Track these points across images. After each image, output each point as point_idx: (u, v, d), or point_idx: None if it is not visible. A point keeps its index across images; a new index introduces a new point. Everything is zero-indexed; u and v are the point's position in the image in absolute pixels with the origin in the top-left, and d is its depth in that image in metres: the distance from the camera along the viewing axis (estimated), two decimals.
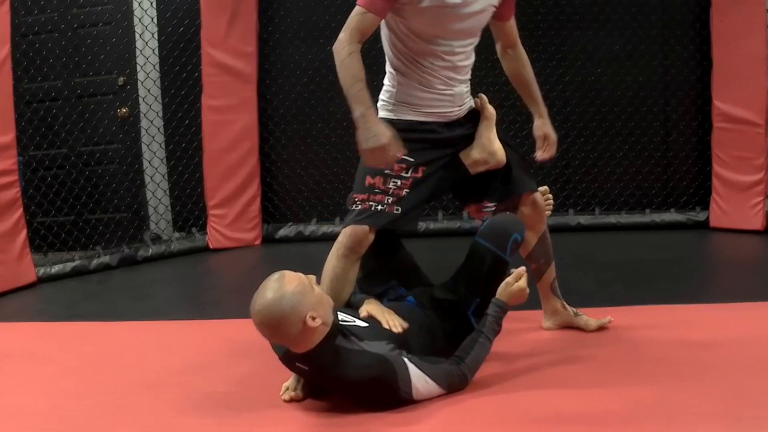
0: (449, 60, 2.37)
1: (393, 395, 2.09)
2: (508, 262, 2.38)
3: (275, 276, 2.07)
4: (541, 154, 2.65)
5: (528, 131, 2.73)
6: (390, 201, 2.37)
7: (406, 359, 2.11)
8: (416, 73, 2.36)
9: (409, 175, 2.39)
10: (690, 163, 4.87)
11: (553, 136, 2.66)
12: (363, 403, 2.13)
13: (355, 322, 2.21)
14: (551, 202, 2.70)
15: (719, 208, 4.59)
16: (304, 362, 2.11)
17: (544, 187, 2.69)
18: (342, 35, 2.24)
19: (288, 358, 2.17)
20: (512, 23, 2.57)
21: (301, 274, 2.10)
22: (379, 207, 2.37)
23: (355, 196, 2.42)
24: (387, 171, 2.36)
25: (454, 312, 2.38)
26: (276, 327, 2.02)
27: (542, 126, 2.65)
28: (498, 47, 2.63)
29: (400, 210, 2.39)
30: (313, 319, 2.02)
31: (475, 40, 2.45)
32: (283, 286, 2.03)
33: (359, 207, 2.39)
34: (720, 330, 2.65)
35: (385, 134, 2.16)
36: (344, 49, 2.21)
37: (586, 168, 4.91)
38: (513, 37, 2.59)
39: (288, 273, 2.09)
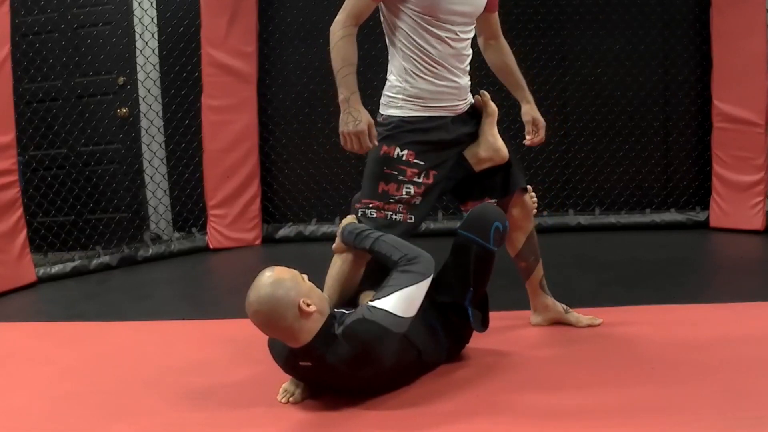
0: (454, 47, 2.38)
1: (391, 348, 2.12)
2: (494, 252, 2.37)
3: (266, 270, 2.11)
4: (530, 139, 2.70)
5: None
6: (403, 209, 2.40)
7: (376, 304, 2.09)
8: (425, 63, 2.36)
9: (421, 180, 2.40)
10: (690, 163, 4.87)
11: (541, 120, 2.69)
12: (372, 383, 2.15)
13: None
14: (536, 200, 2.72)
15: (719, 208, 4.59)
16: (306, 358, 2.11)
17: (527, 186, 2.71)
18: (339, 16, 2.31)
19: (289, 361, 2.17)
20: (496, 16, 2.61)
21: (292, 269, 2.14)
22: (395, 217, 2.39)
23: (367, 201, 2.42)
24: (401, 177, 2.38)
25: (453, 307, 2.39)
26: (271, 314, 2.04)
27: (530, 111, 2.69)
28: (480, 41, 2.66)
29: (413, 219, 2.42)
30: (308, 305, 2.05)
31: (473, 30, 2.48)
32: (274, 275, 2.08)
33: (374, 215, 2.40)
34: (720, 330, 2.65)
35: (366, 121, 2.24)
36: (339, 31, 2.29)
37: (586, 168, 4.91)
38: (496, 29, 2.63)
39: (278, 267, 2.13)
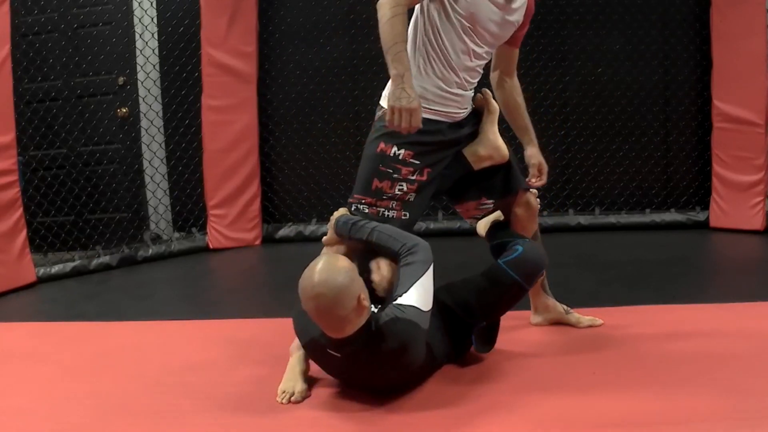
0: (472, 61, 2.39)
1: (423, 342, 2.13)
2: (528, 290, 2.42)
3: (325, 257, 2.08)
4: (535, 182, 2.69)
5: None
6: (396, 206, 2.39)
7: (402, 301, 2.08)
8: (440, 67, 2.35)
9: (414, 178, 2.39)
10: (690, 163, 4.88)
11: (545, 165, 2.70)
12: (393, 378, 2.15)
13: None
14: (539, 201, 2.73)
15: (719, 208, 4.59)
16: (338, 349, 2.09)
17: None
18: None
19: (317, 345, 2.15)
20: (517, 53, 2.61)
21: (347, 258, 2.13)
22: (387, 213, 2.39)
23: (359, 197, 2.41)
24: (396, 175, 2.37)
25: (461, 325, 2.39)
26: (335, 299, 1.99)
27: (536, 154, 2.69)
28: (495, 75, 2.65)
29: (408, 215, 2.41)
30: (364, 299, 2.03)
31: (491, 54, 2.50)
32: (338, 263, 2.05)
33: (366, 210, 2.40)
34: (720, 330, 2.65)
35: (417, 99, 2.16)
36: (389, 10, 2.17)
37: (586, 168, 4.91)
38: (513, 65, 2.63)
39: (337, 254, 2.12)
